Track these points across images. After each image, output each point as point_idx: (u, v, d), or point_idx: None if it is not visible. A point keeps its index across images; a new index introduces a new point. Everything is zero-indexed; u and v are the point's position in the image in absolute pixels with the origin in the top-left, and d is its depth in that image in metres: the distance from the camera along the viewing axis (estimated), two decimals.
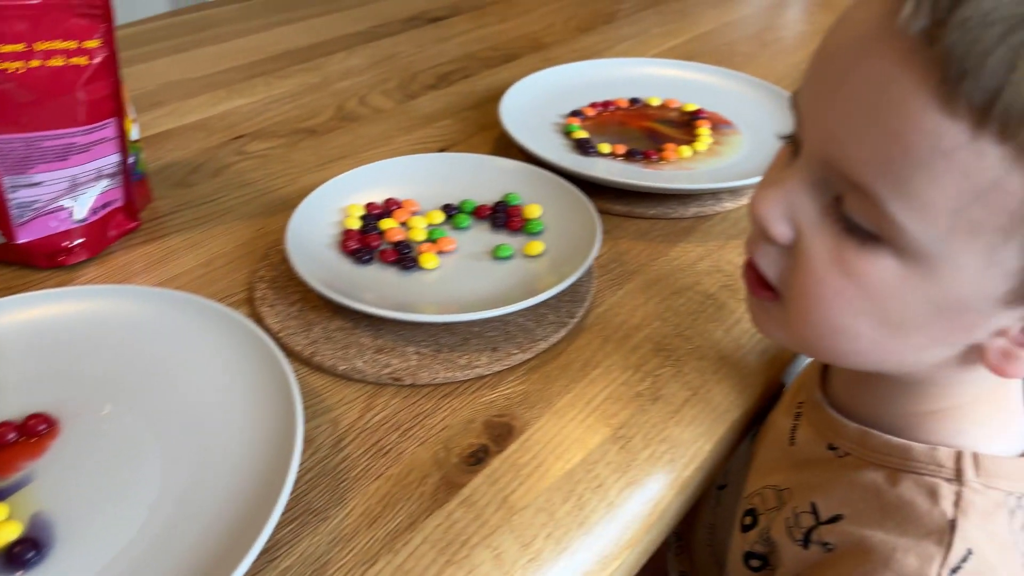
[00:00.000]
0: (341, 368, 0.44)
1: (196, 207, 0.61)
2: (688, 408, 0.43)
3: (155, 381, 0.41)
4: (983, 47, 0.23)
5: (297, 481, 0.38)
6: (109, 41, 0.49)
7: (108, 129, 0.52)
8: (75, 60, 0.48)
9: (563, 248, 0.53)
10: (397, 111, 0.78)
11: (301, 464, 0.38)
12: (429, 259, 0.51)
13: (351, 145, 0.71)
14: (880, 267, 0.28)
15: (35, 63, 0.47)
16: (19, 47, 0.47)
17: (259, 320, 0.48)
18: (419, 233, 0.54)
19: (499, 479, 0.39)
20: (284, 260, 0.53)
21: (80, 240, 0.53)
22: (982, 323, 0.28)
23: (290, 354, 0.45)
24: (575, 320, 0.48)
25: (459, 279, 0.51)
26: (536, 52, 0.94)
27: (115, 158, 0.53)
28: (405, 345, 0.46)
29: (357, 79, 0.85)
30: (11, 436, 0.38)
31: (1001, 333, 0.29)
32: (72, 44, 0.48)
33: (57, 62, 0.48)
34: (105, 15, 0.48)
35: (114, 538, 0.34)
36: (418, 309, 0.47)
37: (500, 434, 0.41)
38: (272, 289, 0.50)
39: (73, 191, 0.52)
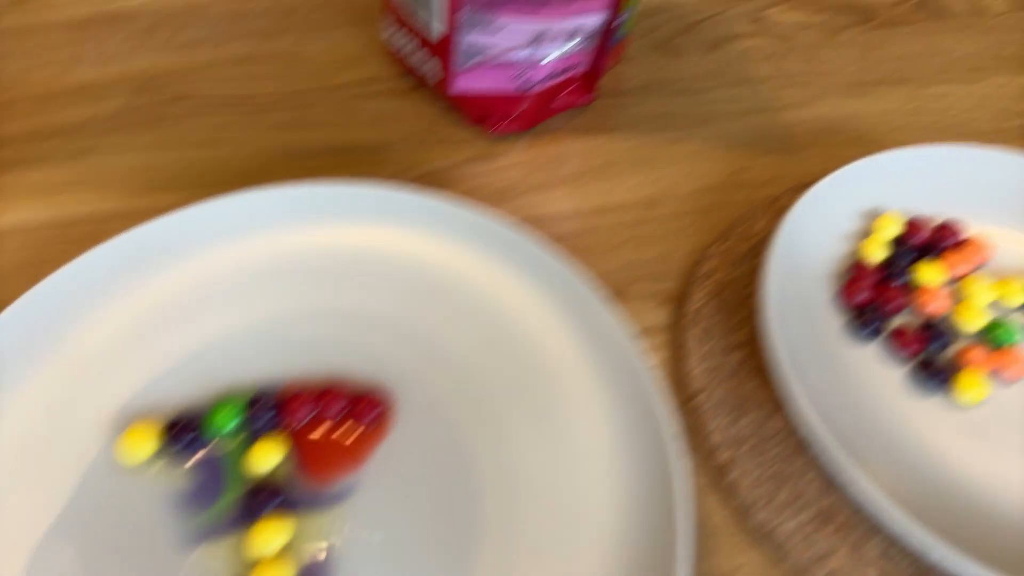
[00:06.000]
0: (755, 518, 0.29)
1: (669, 94, 0.44)
2: None
3: (524, 389, 0.30)
4: None
5: None
6: None
7: None
8: None
9: None
10: (1012, 20, 0.49)
11: None
12: (971, 381, 0.30)
13: (916, 59, 0.46)
14: None
15: None
16: None
17: (681, 348, 0.33)
18: (972, 314, 0.33)
19: None
20: (747, 258, 0.35)
21: (519, 108, 0.40)
22: None
23: (691, 431, 0.31)
24: None
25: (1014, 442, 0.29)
26: None
27: (600, 17, 0.38)
28: (865, 533, 0.28)
29: None
30: (335, 411, 0.29)
31: None
32: None
33: None
34: None
35: None
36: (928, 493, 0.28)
37: None
38: (716, 305, 0.34)
39: (533, 46, 0.38)
